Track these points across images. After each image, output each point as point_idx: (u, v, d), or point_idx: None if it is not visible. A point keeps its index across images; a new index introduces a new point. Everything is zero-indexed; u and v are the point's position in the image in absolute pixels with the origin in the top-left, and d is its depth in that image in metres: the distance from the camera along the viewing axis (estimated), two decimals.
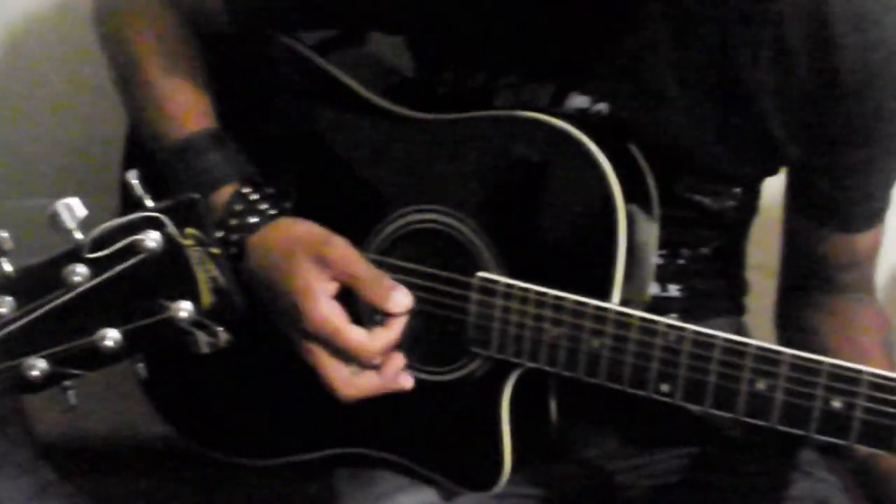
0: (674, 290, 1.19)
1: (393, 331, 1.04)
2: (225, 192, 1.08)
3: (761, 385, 0.94)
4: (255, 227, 1.07)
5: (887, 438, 0.91)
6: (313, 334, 1.03)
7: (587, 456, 1.22)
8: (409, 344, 1.07)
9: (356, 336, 1.02)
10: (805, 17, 1.02)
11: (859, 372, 0.91)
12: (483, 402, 1.07)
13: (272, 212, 1.09)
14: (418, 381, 1.09)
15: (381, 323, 1.04)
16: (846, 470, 1.15)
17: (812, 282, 1.20)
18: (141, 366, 0.85)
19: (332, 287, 1.03)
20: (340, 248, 1.04)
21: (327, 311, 1.02)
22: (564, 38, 1.07)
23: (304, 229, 1.07)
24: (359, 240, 1.10)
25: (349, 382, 1.04)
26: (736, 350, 0.94)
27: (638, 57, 1.06)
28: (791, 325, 1.22)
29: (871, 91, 1.04)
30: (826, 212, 1.14)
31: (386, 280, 1.04)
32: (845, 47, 1.03)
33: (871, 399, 0.90)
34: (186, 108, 1.15)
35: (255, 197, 1.09)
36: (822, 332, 1.17)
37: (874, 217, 1.15)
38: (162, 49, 1.18)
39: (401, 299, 1.04)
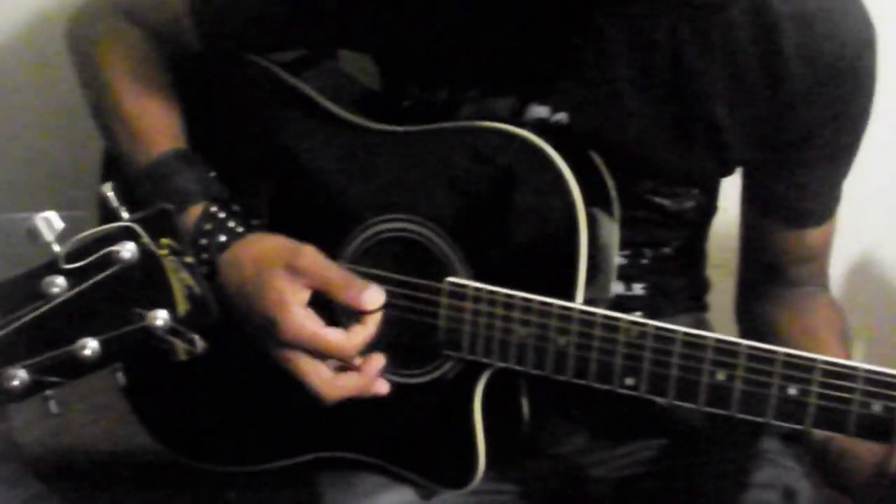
0: (638, 288, 1.22)
1: (369, 328, 1.06)
2: (194, 212, 1.10)
3: (721, 376, 0.97)
4: (224, 245, 1.09)
5: (841, 422, 0.94)
6: (291, 342, 1.04)
7: (559, 452, 1.25)
8: (384, 349, 1.09)
9: (334, 337, 1.04)
10: (753, 25, 1.06)
11: (812, 360, 0.94)
12: (456, 403, 1.10)
13: (240, 229, 1.11)
14: (393, 385, 1.10)
15: (357, 323, 1.06)
16: (807, 456, 1.19)
17: (768, 277, 1.24)
18: (120, 374, 0.86)
19: (305, 295, 1.05)
20: (310, 256, 1.05)
21: (302, 318, 1.04)
22: (523, 52, 1.09)
23: (273, 243, 1.09)
24: (332, 250, 1.12)
25: (332, 384, 1.06)
26: (695, 343, 0.98)
27: (594, 67, 1.08)
28: (750, 319, 1.26)
29: (817, 94, 1.08)
30: (779, 209, 1.18)
31: (357, 280, 1.06)
32: (792, 53, 1.06)
33: (825, 385, 0.94)
34: (156, 130, 1.16)
35: (222, 216, 1.11)
36: (779, 324, 1.21)
37: (826, 213, 1.19)
38: (132, 72, 1.19)
39: (373, 296, 1.05)
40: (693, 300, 1.30)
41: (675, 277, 1.26)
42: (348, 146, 1.14)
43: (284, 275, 1.04)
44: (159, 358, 0.86)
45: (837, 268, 1.94)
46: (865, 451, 0.99)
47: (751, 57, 1.08)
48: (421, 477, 1.16)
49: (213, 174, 1.14)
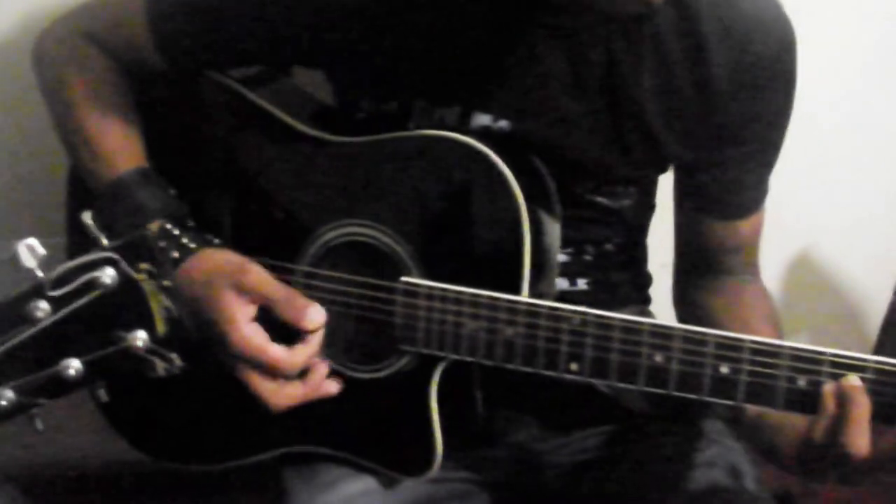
0: (582, 283, 1.27)
1: (311, 345, 1.09)
2: (151, 229, 1.11)
3: (658, 358, 1.03)
4: (177, 261, 1.11)
5: (770, 396, 1.00)
6: (239, 356, 1.08)
7: (513, 440, 1.29)
8: (344, 346, 1.14)
9: (277, 354, 1.07)
10: (680, 33, 1.12)
11: (741, 340, 1.00)
12: (413, 394, 1.14)
13: (192, 245, 1.13)
14: (353, 380, 1.15)
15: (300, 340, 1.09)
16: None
17: (702, 267, 1.30)
18: (102, 391, 0.90)
19: (252, 311, 1.08)
20: (255, 274, 1.09)
21: (249, 335, 1.07)
22: (466, 65, 1.14)
23: (222, 259, 1.12)
24: (292, 255, 1.17)
25: (277, 393, 1.10)
26: (633, 328, 1.03)
27: (532, 77, 1.13)
28: (686, 307, 1.32)
29: (740, 96, 1.14)
30: (710, 203, 1.23)
31: (300, 299, 1.09)
32: (716, 59, 1.12)
33: (754, 363, 1.00)
34: (117, 149, 1.20)
35: (176, 232, 1.13)
36: (713, 311, 1.27)
37: (754, 205, 1.25)
38: (94, 94, 1.22)
39: (314, 316, 1.08)
40: (636, 294, 1.35)
41: (617, 272, 1.31)
42: (305, 157, 1.18)
43: (231, 292, 1.07)
44: (136, 372, 0.90)
45: (780, 264, 2.03)
46: (793, 423, 1.05)
47: (678, 63, 1.13)
48: (383, 467, 1.20)
49: (172, 192, 1.18)
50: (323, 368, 1.13)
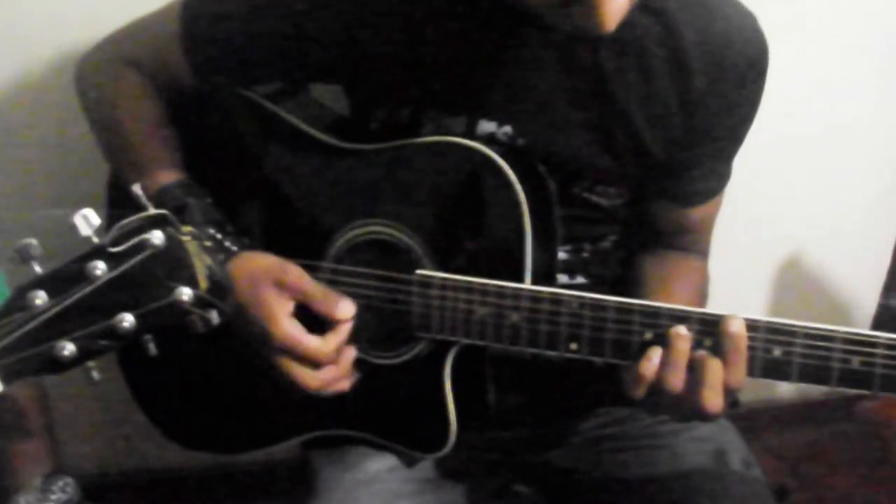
0: (580, 279, 1.34)
1: (341, 334, 1.21)
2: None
3: (648, 335, 1.12)
4: (222, 263, 1.19)
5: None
6: (279, 348, 1.18)
7: (523, 423, 1.38)
8: (366, 336, 1.24)
9: (313, 343, 1.18)
10: (661, 43, 1.20)
11: (716, 315, 1.10)
12: (429, 377, 1.24)
13: (234, 248, 1.24)
14: (374, 367, 1.25)
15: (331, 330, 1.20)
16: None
17: (651, 239, 1.38)
18: (94, 372, 0.97)
19: (290, 307, 1.19)
20: (294, 273, 1.19)
21: (288, 328, 1.18)
22: (470, 77, 1.23)
23: (263, 261, 1.22)
24: (317, 252, 1.26)
25: (314, 377, 1.20)
26: (626, 309, 1.12)
27: (530, 86, 1.22)
28: (627, 265, 1.39)
29: (715, 99, 1.22)
30: (670, 191, 1.32)
31: (333, 294, 1.20)
32: (695, 67, 1.20)
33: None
34: (159, 161, 1.29)
35: (219, 236, 1.23)
36: (644, 274, 1.36)
37: (712, 193, 1.33)
38: (135, 111, 1.32)
39: (346, 308, 1.20)
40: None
41: (613, 269, 1.38)
42: (327, 164, 1.27)
43: (272, 290, 1.18)
44: (173, 360, 0.98)
45: (769, 267, 2.11)
46: None
47: (660, 70, 1.21)
48: (402, 445, 1.29)
49: (209, 200, 1.27)
50: (351, 352, 1.23)
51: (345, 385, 1.24)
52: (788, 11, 1.79)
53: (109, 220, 1.36)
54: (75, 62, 1.39)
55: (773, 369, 1.10)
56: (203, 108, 1.35)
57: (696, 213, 1.34)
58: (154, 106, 1.34)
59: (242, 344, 1.21)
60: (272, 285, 1.19)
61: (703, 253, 1.40)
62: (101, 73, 1.36)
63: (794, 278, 2.13)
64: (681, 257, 1.38)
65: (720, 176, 1.33)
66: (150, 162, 1.29)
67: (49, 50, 1.59)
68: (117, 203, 1.40)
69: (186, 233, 0.95)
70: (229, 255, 1.23)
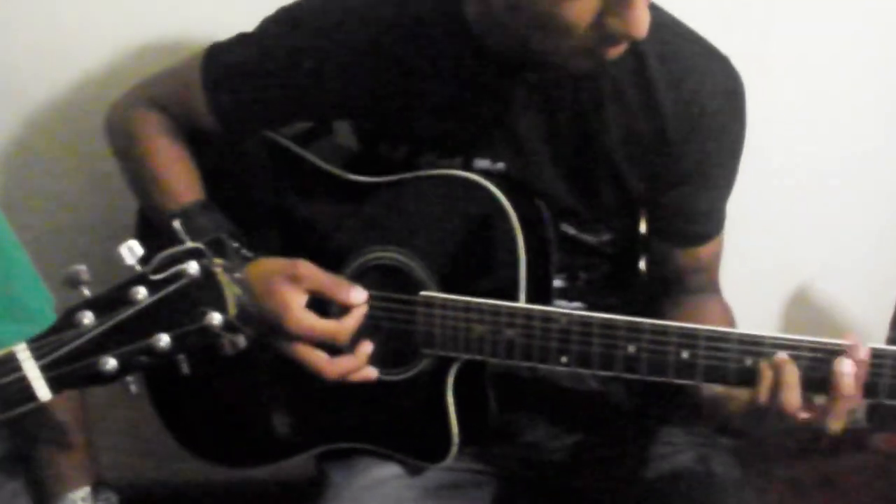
0: (578, 304, 1.42)
1: (355, 317, 1.27)
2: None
3: (632, 348, 1.21)
4: (238, 267, 1.24)
5: (723, 375, 1.20)
6: (295, 335, 1.25)
7: (523, 439, 1.47)
8: (374, 352, 1.32)
9: (329, 326, 1.25)
10: (636, 84, 1.27)
11: (697, 329, 1.19)
12: (433, 391, 1.33)
13: (249, 255, 1.32)
14: (382, 383, 1.34)
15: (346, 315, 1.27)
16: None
17: (668, 286, 1.44)
18: (133, 386, 1.05)
19: (304, 298, 1.25)
20: (305, 266, 1.26)
21: (303, 315, 1.24)
22: (465, 118, 1.32)
23: (275, 261, 1.29)
24: None
25: (332, 363, 1.27)
26: (610, 325, 1.22)
27: (516, 127, 1.31)
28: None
29: (693, 140, 1.28)
30: (670, 233, 1.39)
31: (344, 282, 1.28)
32: (668, 108, 1.26)
33: (708, 348, 1.19)
34: (182, 185, 1.38)
35: (236, 245, 1.31)
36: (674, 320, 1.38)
37: (712, 232, 1.40)
38: (161, 144, 1.41)
39: (358, 294, 1.28)
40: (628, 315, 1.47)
41: (608, 296, 1.44)
42: (339, 195, 1.37)
43: (286, 282, 1.25)
44: (196, 379, 1.05)
45: (778, 301, 2.13)
46: (739, 394, 1.21)
47: (637, 111, 1.27)
48: (408, 456, 1.39)
49: (226, 218, 1.36)
50: (367, 346, 1.31)
51: (369, 374, 1.32)
52: (795, 46, 1.84)
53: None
54: (108, 105, 1.50)
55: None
56: (225, 146, 1.45)
57: (702, 252, 1.41)
58: (178, 143, 1.43)
59: (261, 339, 1.25)
60: (285, 279, 1.25)
61: (717, 291, 1.46)
62: (127, 114, 1.46)
63: (802, 311, 2.14)
64: (704, 300, 1.42)
65: (714, 214, 1.40)
66: (172, 185, 1.39)
67: (83, 92, 1.71)
68: (144, 232, 1.50)
69: (218, 264, 1.03)
70: (246, 260, 1.30)
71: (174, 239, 1.05)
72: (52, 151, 1.77)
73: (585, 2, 1.10)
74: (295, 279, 1.26)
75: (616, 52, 1.16)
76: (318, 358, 1.27)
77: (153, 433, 1.58)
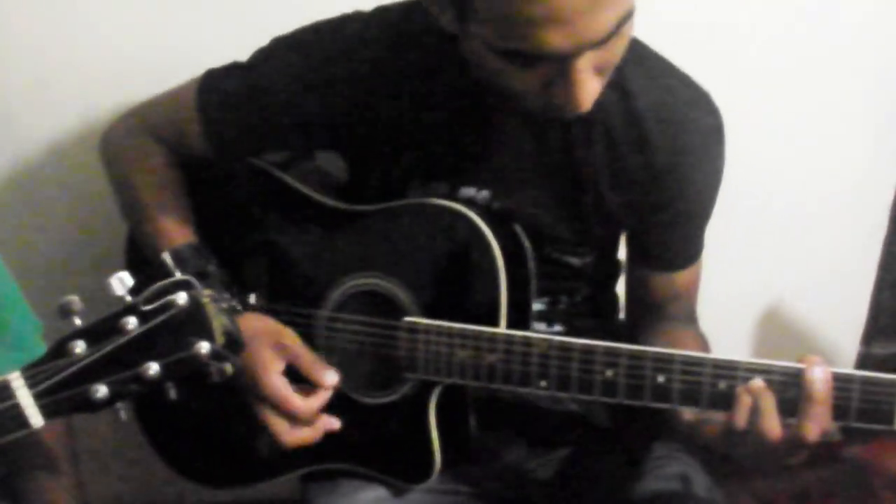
0: (558, 327, 1.46)
1: (322, 398, 1.32)
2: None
3: (609, 373, 1.24)
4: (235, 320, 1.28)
5: (698, 398, 1.22)
6: (266, 399, 1.30)
7: (504, 458, 1.50)
8: (358, 376, 1.36)
9: (297, 403, 1.30)
10: (624, 119, 1.30)
11: (672, 355, 1.22)
12: (416, 414, 1.36)
13: (238, 307, 1.36)
14: (366, 406, 1.37)
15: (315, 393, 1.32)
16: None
17: (646, 312, 1.47)
18: (122, 412, 1.08)
19: (282, 365, 1.30)
20: (290, 337, 1.32)
21: (277, 382, 1.29)
22: (452, 147, 1.35)
23: (264, 322, 1.34)
24: (317, 302, 1.39)
25: (290, 433, 1.32)
26: (588, 350, 1.24)
27: (505, 156, 1.34)
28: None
29: (676, 171, 1.32)
30: (650, 257, 1.42)
31: (321, 363, 1.32)
32: (654, 142, 1.30)
33: (684, 372, 1.22)
34: (173, 225, 1.40)
35: (227, 295, 1.35)
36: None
37: (690, 258, 1.43)
38: (153, 179, 1.43)
39: (330, 377, 1.32)
40: (609, 339, 1.44)
41: (589, 319, 1.49)
42: (326, 223, 1.40)
43: (269, 346, 1.30)
44: (190, 407, 1.10)
45: (749, 322, 2.15)
46: (716, 417, 1.23)
47: (624, 143, 1.31)
48: (390, 476, 1.41)
49: (215, 262, 1.38)
50: (328, 422, 1.35)
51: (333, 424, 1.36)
52: (766, 74, 1.88)
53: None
54: (102, 131, 1.52)
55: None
56: (216, 172, 1.47)
57: (682, 277, 1.44)
58: (171, 173, 1.45)
59: (235, 390, 1.32)
60: (270, 344, 1.30)
61: (694, 320, 1.48)
62: (122, 142, 1.48)
63: (774, 329, 2.16)
64: (680, 329, 1.44)
65: (692, 240, 1.43)
66: (165, 226, 1.41)
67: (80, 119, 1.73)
68: (133, 259, 1.52)
69: (206, 295, 1.06)
70: (236, 313, 1.34)
71: (164, 270, 1.07)
72: (43, 182, 1.79)
73: (529, 76, 1.13)
74: (278, 347, 1.30)
75: (571, 114, 1.17)
76: (280, 425, 1.32)
77: (139, 456, 1.62)
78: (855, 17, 1.90)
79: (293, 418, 1.31)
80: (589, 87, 1.12)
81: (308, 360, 1.32)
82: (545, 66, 1.11)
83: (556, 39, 1.06)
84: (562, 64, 1.10)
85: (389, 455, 1.42)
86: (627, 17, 1.09)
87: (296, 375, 1.33)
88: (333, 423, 1.36)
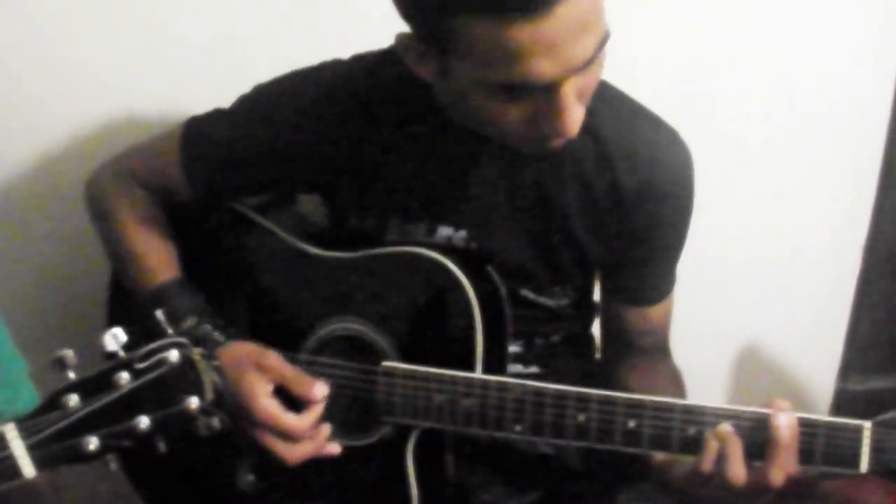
0: (534, 368, 1.50)
1: (315, 412, 1.32)
2: (187, 326, 1.36)
3: (581, 418, 1.28)
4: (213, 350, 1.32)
5: (667, 443, 1.27)
6: (259, 424, 1.30)
7: (479, 499, 1.52)
8: (337, 420, 1.38)
9: (290, 420, 1.30)
10: (594, 158, 1.34)
11: (642, 401, 1.26)
12: (393, 456, 1.39)
13: (221, 338, 1.37)
14: (346, 449, 1.39)
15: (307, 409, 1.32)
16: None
17: (621, 347, 1.51)
18: (113, 463, 1.10)
19: (269, 388, 1.30)
20: (273, 357, 1.31)
21: (267, 406, 1.29)
22: (429, 189, 1.39)
23: (245, 347, 1.33)
24: (296, 346, 1.42)
25: (292, 451, 1.32)
26: (561, 395, 1.28)
27: (479, 198, 1.37)
28: (611, 381, 1.51)
29: (646, 208, 1.36)
30: (623, 293, 1.46)
31: (307, 378, 1.32)
32: (624, 181, 1.34)
33: (654, 417, 1.26)
34: (158, 263, 1.44)
35: (208, 328, 1.38)
36: (630, 384, 1.46)
37: (662, 293, 1.47)
38: (137, 221, 1.46)
39: (319, 390, 1.32)
40: (585, 379, 1.45)
41: (564, 360, 1.52)
42: (305, 268, 1.42)
43: (254, 372, 1.30)
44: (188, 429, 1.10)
45: (725, 357, 2.16)
46: (685, 460, 1.28)
47: (595, 182, 1.34)
48: None
49: (201, 296, 1.42)
50: (326, 429, 1.36)
51: (331, 450, 1.37)
52: (745, 111, 1.92)
53: (110, 317, 1.55)
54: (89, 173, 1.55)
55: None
56: (196, 216, 1.50)
57: (654, 312, 1.48)
58: (154, 215, 1.48)
59: (230, 421, 1.29)
60: (253, 368, 1.30)
61: (667, 353, 1.53)
62: (107, 186, 1.51)
63: (751, 367, 2.19)
64: (654, 362, 1.49)
65: (663, 275, 1.47)
66: (150, 265, 1.44)
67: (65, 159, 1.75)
68: (117, 299, 1.55)
69: (197, 353, 1.10)
70: (218, 345, 1.35)
71: (153, 322, 1.11)
72: (30, 220, 1.80)
73: (515, 109, 1.17)
74: (261, 368, 1.31)
75: (558, 142, 1.22)
76: (280, 446, 1.32)
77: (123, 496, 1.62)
78: (828, 66, 1.94)
79: (290, 437, 1.32)
80: (576, 113, 1.16)
81: (293, 377, 1.32)
82: (532, 96, 1.15)
83: (543, 67, 1.09)
84: (549, 92, 1.13)
85: (367, 498, 1.45)
86: (605, 40, 1.13)
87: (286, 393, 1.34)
88: (327, 429, 1.37)
